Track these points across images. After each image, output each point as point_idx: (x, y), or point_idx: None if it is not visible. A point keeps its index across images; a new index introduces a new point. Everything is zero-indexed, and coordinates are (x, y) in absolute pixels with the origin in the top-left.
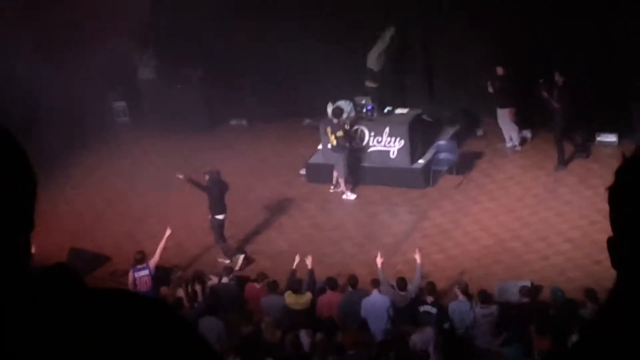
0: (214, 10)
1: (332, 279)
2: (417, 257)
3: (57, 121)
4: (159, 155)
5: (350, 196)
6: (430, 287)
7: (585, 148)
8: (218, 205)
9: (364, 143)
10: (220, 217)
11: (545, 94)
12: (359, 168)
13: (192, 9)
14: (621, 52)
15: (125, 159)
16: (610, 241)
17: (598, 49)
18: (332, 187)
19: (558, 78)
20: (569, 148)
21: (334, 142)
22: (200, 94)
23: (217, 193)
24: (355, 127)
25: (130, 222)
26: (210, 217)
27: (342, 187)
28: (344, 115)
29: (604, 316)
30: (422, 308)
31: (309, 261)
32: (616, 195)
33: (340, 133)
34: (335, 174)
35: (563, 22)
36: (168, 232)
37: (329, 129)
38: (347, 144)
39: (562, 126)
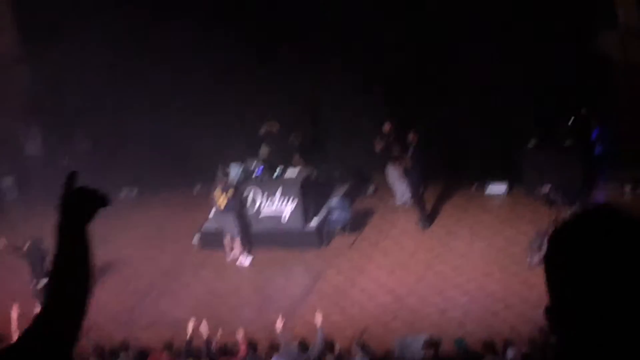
0: (99, 80)
1: (224, 347)
2: (317, 318)
3: None
4: (50, 233)
5: (245, 261)
6: (331, 347)
7: (428, 219)
8: (39, 272)
9: (257, 207)
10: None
11: (396, 152)
12: (250, 232)
13: (75, 82)
14: (507, 103)
15: (14, 237)
16: (548, 309)
17: (486, 96)
18: (229, 255)
19: (412, 137)
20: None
21: (223, 204)
22: (89, 166)
23: (38, 261)
24: (247, 190)
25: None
26: (33, 284)
27: (237, 250)
28: (232, 177)
29: None
30: None
31: (204, 329)
32: (551, 263)
33: (229, 193)
34: (227, 240)
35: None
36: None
37: (218, 191)
38: (236, 204)
39: (419, 184)
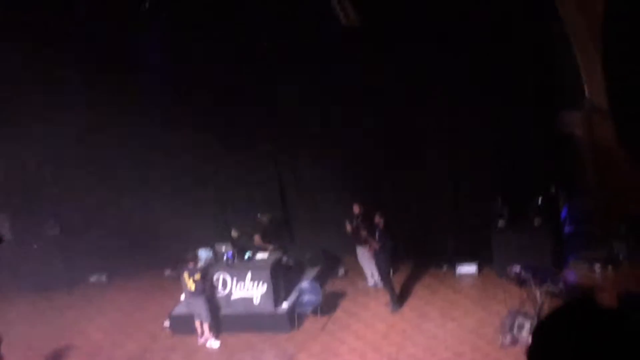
0: (66, 164)
1: None
2: None
3: None
4: (18, 321)
5: (214, 344)
6: None
7: (398, 301)
8: None
9: (227, 291)
10: None
11: (364, 234)
12: (219, 315)
13: (42, 166)
14: (475, 183)
15: None
16: None
17: (454, 177)
18: (200, 338)
19: (378, 220)
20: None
21: (192, 287)
22: (57, 251)
23: None
24: (217, 274)
25: None
26: None
27: (206, 333)
28: (201, 261)
29: None
30: None
31: None
32: (534, 356)
33: (197, 276)
34: (197, 323)
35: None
36: None
37: (186, 274)
38: (206, 287)
39: (387, 266)
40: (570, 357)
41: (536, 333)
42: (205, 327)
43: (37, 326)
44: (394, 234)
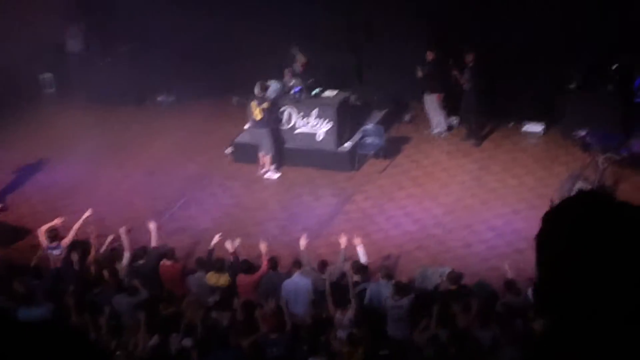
0: None
1: (246, 262)
2: (342, 241)
3: None
4: (86, 128)
5: (273, 175)
6: (358, 267)
7: (478, 136)
8: None
9: (291, 124)
10: None
11: (455, 74)
12: (283, 148)
13: None
14: (553, 42)
15: (51, 130)
16: (535, 287)
17: (529, 38)
18: (260, 169)
19: (468, 58)
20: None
21: (259, 116)
22: (129, 68)
23: None
24: (283, 107)
25: (55, 195)
26: None
27: (267, 165)
28: (270, 91)
29: None
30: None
31: (229, 245)
32: (542, 241)
33: (265, 105)
34: (260, 155)
35: (495, 12)
36: (88, 212)
37: (254, 104)
38: (271, 119)
39: (475, 106)
40: (582, 245)
41: (548, 217)
42: (267, 158)
43: (103, 135)
44: (486, 71)
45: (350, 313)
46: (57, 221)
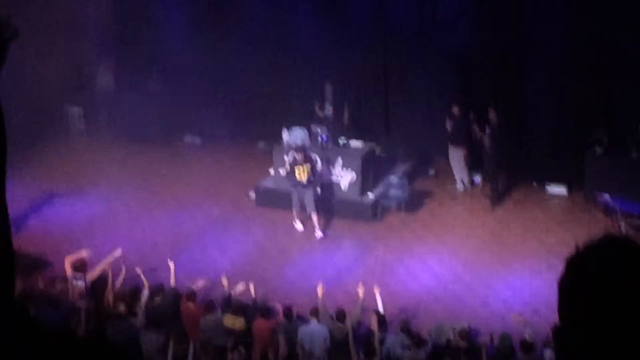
0: (177, 25)
1: (266, 307)
2: (360, 291)
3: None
4: (111, 165)
5: (319, 233)
6: (380, 318)
7: (498, 195)
8: None
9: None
10: None
11: (476, 131)
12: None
13: (155, 22)
14: (576, 101)
15: (77, 165)
16: (556, 330)
17: (551, 98)
18: (295, 223)
19: (492, 116)
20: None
21: (305, 178)
22: (157, 107)
23: None
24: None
25: (77, 229)
26: None
27: (315, 223)
28: (294, 139)
29: None
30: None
31: (250, 289)
32: (565, 286)
33: (307, 168)
34: (295, 212)
35: (519, 68)
36: (118, 253)
37: (299, 167)
38: (315, 179)
39: (495, 165)
40: (605, 290)
41: (572, 261)
42: (314, 217)
43: (126, 170)
44: (505, 131)
45: None
46: (83, 253)
